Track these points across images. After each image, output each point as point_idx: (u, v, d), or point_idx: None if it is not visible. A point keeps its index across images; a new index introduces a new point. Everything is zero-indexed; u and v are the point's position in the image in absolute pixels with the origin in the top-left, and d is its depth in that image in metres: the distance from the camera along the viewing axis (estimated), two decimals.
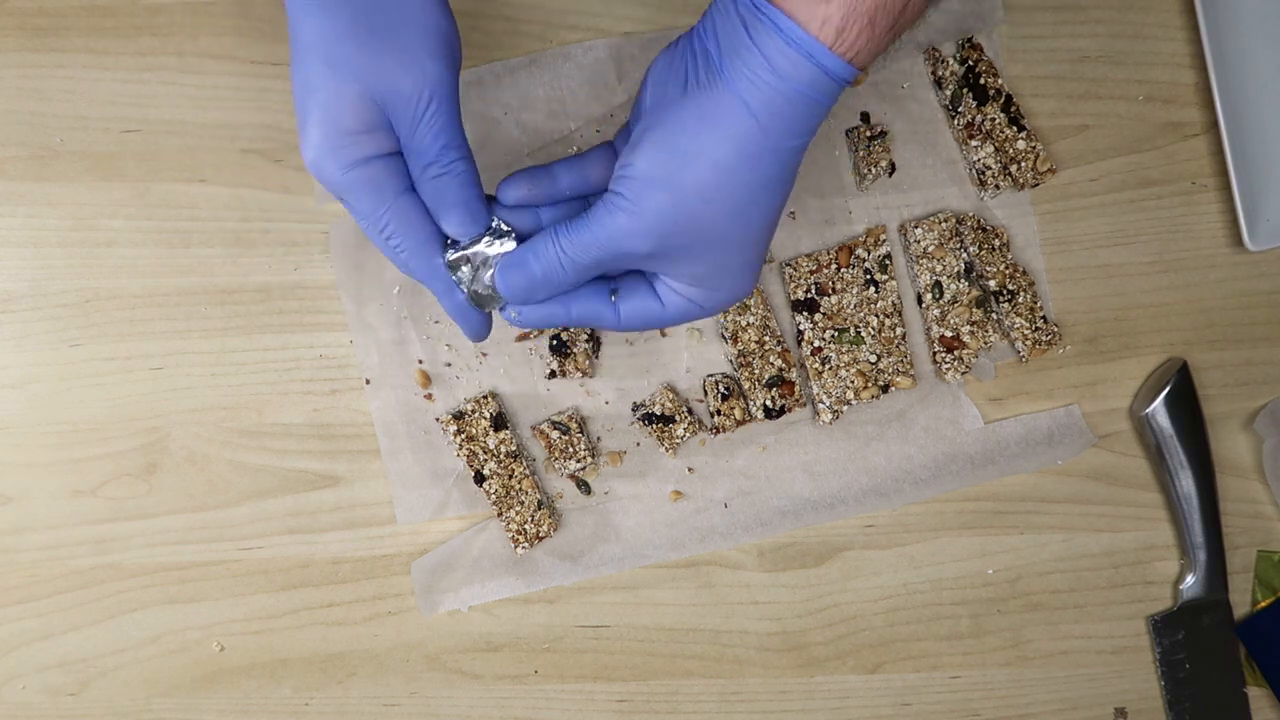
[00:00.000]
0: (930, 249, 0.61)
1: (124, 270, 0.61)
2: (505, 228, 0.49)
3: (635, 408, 0.61)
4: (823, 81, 0.41)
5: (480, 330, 0.51)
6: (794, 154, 0.43)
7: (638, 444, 0.62)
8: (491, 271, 0.49)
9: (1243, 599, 0.63)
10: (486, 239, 0.49)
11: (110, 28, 0.60)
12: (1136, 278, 0.63)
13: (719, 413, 0.61)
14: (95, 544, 0.61)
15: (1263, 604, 0.63)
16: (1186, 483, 0.61)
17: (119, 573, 0.62)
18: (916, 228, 0.61)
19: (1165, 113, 0.62)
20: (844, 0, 0.40)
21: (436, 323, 0.61)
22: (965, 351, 0.61)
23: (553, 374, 0.61)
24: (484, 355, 0.62)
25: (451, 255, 0.48)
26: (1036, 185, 0.61)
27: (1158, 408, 0.61)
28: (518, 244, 0.48)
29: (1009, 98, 0.61)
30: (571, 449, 0.60)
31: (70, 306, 0.61)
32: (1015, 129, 0.60)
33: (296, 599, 0.62)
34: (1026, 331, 0.61)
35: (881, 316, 0.61)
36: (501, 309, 0.50)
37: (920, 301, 0.62)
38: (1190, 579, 0.62)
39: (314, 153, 0.44)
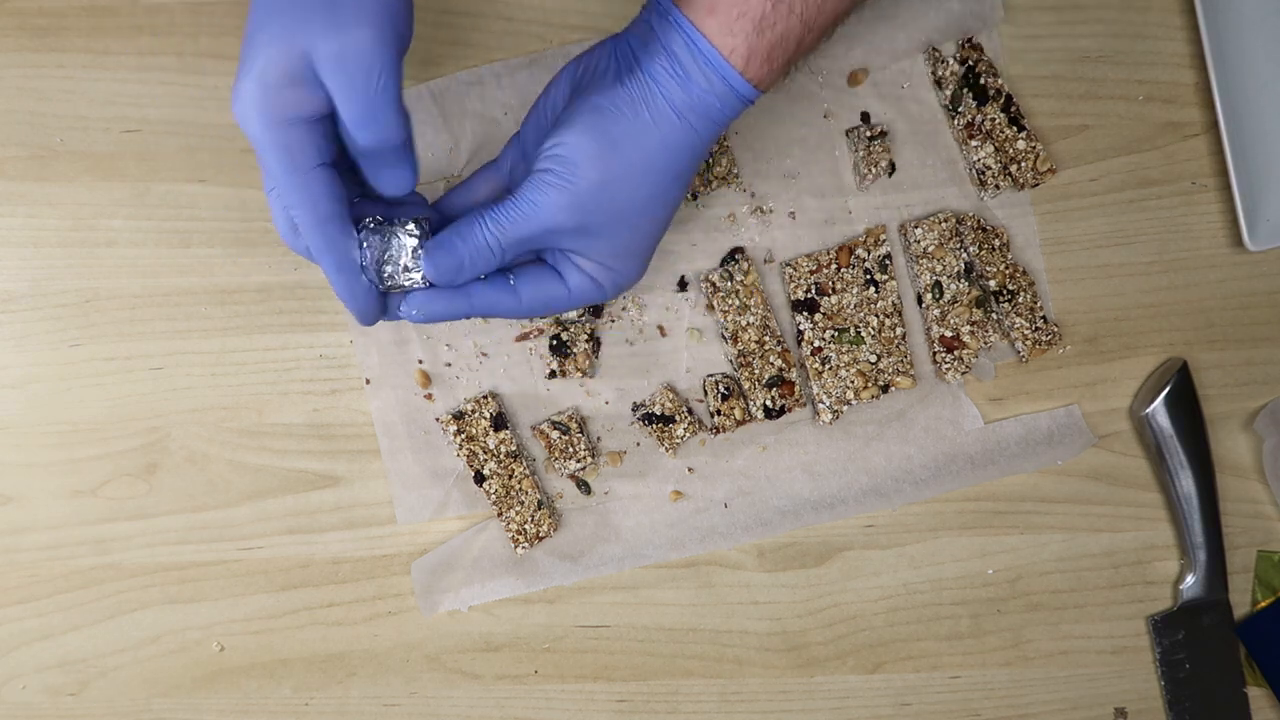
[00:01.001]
0: (930, 249, 0.61)
1: (124, 270, 0.61)
2: (415, 220, 0.50)
3: (635, 408, 0.61)
4: (732, 100, 0.48)
5: (372, 312, 0.51)
6: (701, 154, 0.49)
7: (638, 444, 0.62)
8: (406, 254, 0.50)
9: (1243, 599, 0.64)
10: (398, 223, 0.50)
11: (110, 28, 0.60)
12: (1136, 278, 0.63)
13: (719, 413, 0.61)
14: (95, 544, 0.61)
15: (1263, 604, 0.63)
16: (1186, 483, 0.61)
17: (119, 573, 0.62)
18: (916, 228, 0.61)
19: (1165, 113, 0.62)
20: (746, 38, 0.46)
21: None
22: (965, 351, 0.61)
23: (553, 374, 0.61)
24: (484, 355, 0.62)
25: (363, 233, 0.49)
26: (1036, 185, 0.61)
27: (1158, 408, 0.61)
28: (420, 237, 0.50)
29: (1009, 98, 0.61)
30: (571, 449, 0.60)
31: (70, 306, 0.61)
32: (1015, 129, 0.60)
33: (296, 599, 0.62)
34: (1026, 331, 0.61)
35: (881, 316, 0.61)
36: (400, 303, 0.51)
37: (920, 301, 0.62)
38: (1190, 579, 0.62)
39: (243, 103, 0.45)
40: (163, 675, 0.62)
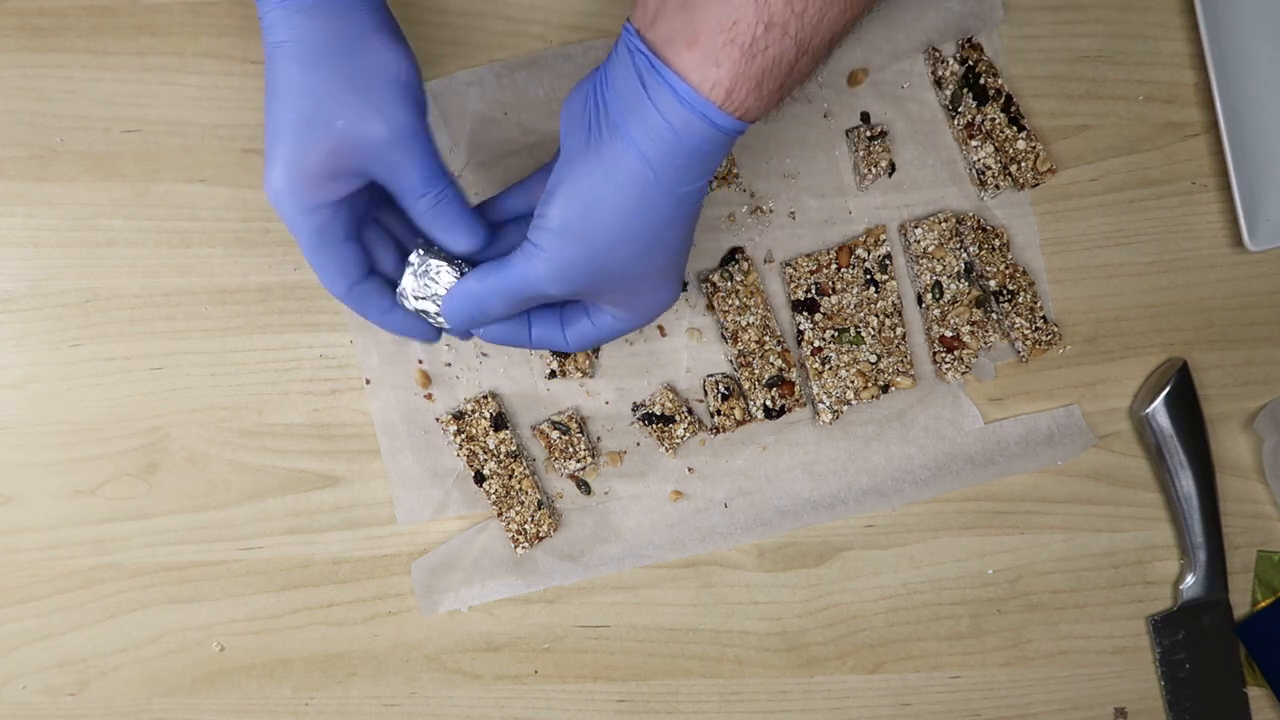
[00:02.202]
0: (930, 249, 0.61)
1: (124, 270, 0.61)
2: (457, 262, 0.52)
3: (635, 408, 0.61)
4: (715, 135, 0.45)
5: (430, 333, 0.54)
6: (692, 195, 0.47)
7: (638, 444, 0.62)
8: (443, 289, 0.51)
9: (1243, 599, 0.64)
10: (444, 260, 0.51)
11: (110, 28, 0.60)
12: (1136, 278, 0.63)
13: (719, 413, 0.61)
14: (95, 544, 0.61)
15: (1263, 604, 0.63)
16: (1186, 483, 0.61)
17: (119, 573, 0.62)
18: (916, 228, 0.61)
19: (1165, 113, 0.62)
20: (733, 65, 0.43)
21: None
22: (965, 351, 0.61)
23: (553, 374, 0.61)
24: (484, 355, 0.62)
25: (413, 260, 0.51)
26: (1036, 185, 0.61)
27: (1158, 408, 0.61)
28: (451, 263, 0.52)
29: (1009, 98, 0.61)
30: (571, 449, 0.60)
31: (70, 306, 0.61)
32: (1015, 129, 0.60)
33: (296, 599, 0.62)
34: (1026, 331, 0.61)
35: (881, 316, 0.61)
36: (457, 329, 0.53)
37: (920, 302, 0.62)
38: (1190, 579, 0.62)
39: (275, 192, 0.48)
40: (163, 675, 0.62)
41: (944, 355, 0.61)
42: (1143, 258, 0.63)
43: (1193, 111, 0.62)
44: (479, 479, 0.60)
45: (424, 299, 0.52)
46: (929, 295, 0.61)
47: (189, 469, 0.61)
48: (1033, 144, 0.61)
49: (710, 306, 0.61)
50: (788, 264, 0.61)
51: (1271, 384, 0.63)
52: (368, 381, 0.61)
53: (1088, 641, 0.63)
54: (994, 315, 0.62)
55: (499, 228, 0.53)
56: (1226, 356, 0.63)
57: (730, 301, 0.60)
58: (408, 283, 0.52)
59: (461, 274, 0.51)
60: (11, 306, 0.61)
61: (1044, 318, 0.61)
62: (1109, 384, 0.63)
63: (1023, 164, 0.61)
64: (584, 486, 0.62)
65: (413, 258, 0.52)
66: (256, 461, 0.62)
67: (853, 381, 0.60)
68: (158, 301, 0.61)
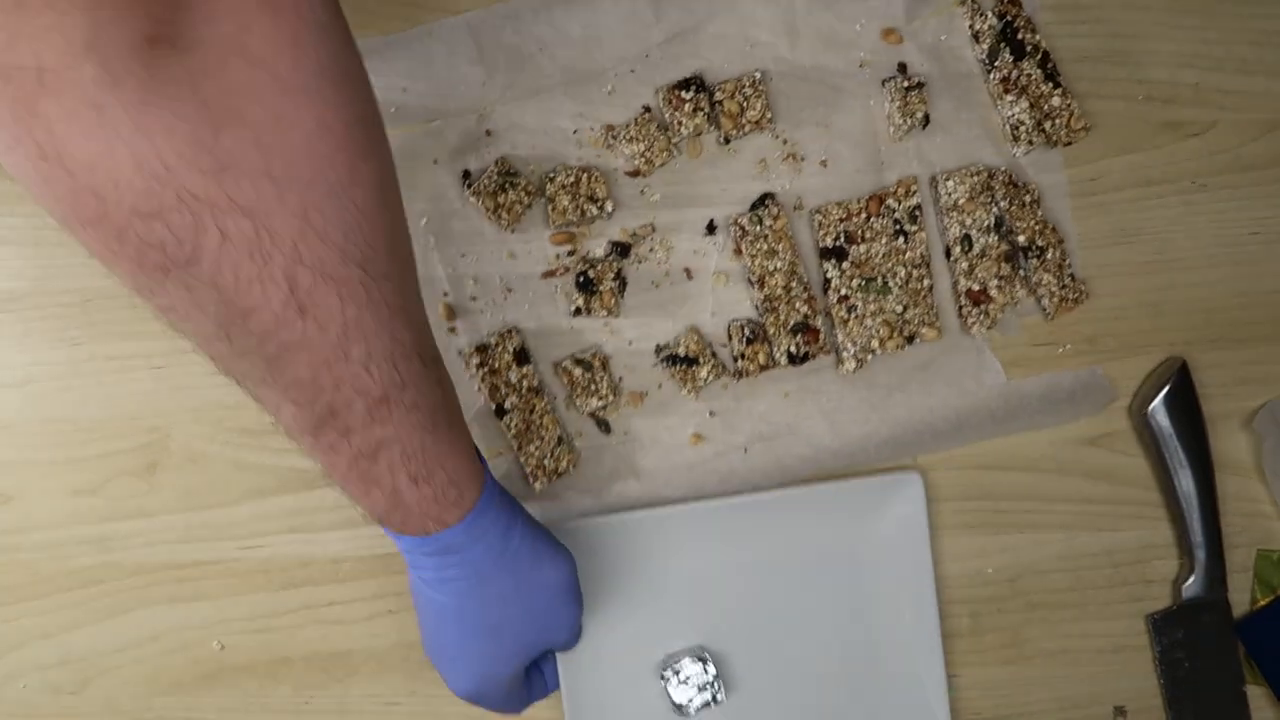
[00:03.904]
0: (961, 202, 0.60)
1: None
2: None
3: (659, 349, 0.61)
4: (413, 544, 0.49)
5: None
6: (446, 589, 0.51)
7: (659, 386, 0.61)
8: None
9: (1243, 598, 0.64)
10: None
11: None
12: (1136, 277, 0.63)
13: (742, 357, 0.60)
14: (96, 543, 0.61)
15: (1262, 603, 0.63)
16: (1186, 482, 0.61)
17: (119, 571, 0.62)
18: (948, 180, 0.60)
19: (1165, 113, 0.62)
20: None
21: (463, 256, 0.61)
22: (991, 305, 0.61)
23: (578, 311, 0.60)
24: (509, 290, 0.61)
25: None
26: (1070, 144, 0.61)
27: (1158, 407, 0.61)
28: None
29: (1046, 54, 0.60)
30: (594, 386, 0.60)
31: (71, 305, 0.61)
32: (1051, 85, 0.60)
33: (297, 598, 0.62)
34: (1054, 288, 0.61)
35: (909, 267, 0.61)
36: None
37: (948, 255, 0.62)
38: (1190, 578, 0.62)
39: (469, 694, 0.54)
40: (163, 674, 0.62)
41: (970, 309, 0.61)
42: (1143, 258, 0.63)
43: (1193, 111, 0.62)
44: (500, 412, 0.60)
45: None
46: (957, 248, 0.61)
47: (189, 468, 0.61)
48: (1067, 101, 0.60)
49: (738, 251, 0.61)
50: (817, 211, 0.60)
51: (1271, 383, 0.63)
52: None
53: (1087, 640, 0.63)
54: (1021, 271, 0.61)
55: None
56: (1226, 356, 0.63)
57: (758, 246, 0.60)
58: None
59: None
60: (13, 305, 0.61)
61: (1072, 275, 0.61)
62: (1109, 384, 0.63)
63: (1057, 120, 0.60)
64: (604, 426, 0.62)
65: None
66: (257, 460, 0.61)
67: (878, 331, 0.60)
68: None
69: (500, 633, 0.52)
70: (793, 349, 0.60)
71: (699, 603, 0.61)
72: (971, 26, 0.61)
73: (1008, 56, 0.61)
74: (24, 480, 0.61)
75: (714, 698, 0.59)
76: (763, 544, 0.61)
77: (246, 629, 0.62)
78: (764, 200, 0.61)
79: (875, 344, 0.60)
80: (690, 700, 0.59)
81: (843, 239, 0.60)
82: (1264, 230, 0.63)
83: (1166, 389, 0.61)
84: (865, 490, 0.61)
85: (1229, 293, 0.63)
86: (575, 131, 0.61)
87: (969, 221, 0.61)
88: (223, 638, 0.62)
